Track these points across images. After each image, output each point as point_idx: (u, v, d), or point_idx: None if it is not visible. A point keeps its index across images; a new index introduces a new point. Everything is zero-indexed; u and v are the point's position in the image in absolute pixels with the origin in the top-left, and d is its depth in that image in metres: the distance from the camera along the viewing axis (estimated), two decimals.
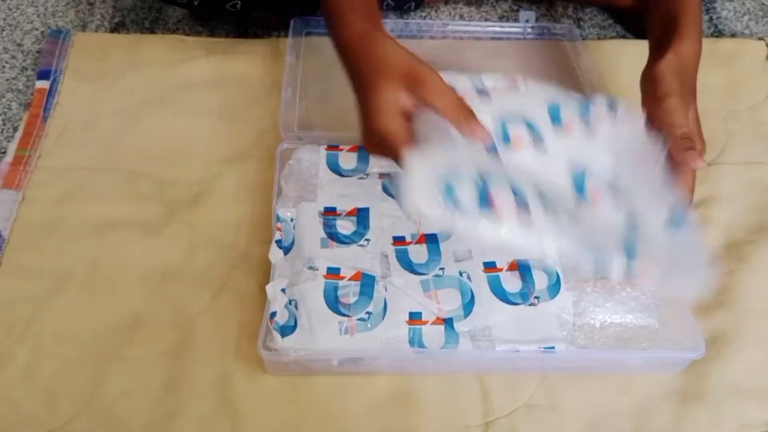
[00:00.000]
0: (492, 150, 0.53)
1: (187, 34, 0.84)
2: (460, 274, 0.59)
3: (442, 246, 0.61)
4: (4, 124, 0.75)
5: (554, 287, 0.59)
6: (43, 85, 0.76)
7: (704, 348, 0.56)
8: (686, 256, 0.53)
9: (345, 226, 0.62)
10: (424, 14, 0.90)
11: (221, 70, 0.79)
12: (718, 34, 0.90)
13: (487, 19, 0.90)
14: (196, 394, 0.56)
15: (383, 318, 0.56)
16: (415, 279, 0.59)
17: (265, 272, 0.61)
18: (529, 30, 0.85)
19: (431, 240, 0.62)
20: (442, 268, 0.60)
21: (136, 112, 0.75)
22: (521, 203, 0.50)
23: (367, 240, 0.62)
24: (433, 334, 0.56)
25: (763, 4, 0.93)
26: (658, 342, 0.58)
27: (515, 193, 0.51)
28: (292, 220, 0.63)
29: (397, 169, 0.51)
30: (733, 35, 0.89)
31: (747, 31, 0.90)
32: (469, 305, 0.58)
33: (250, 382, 0.57)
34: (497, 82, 0.59)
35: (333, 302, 0.57)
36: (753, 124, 0.78)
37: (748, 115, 0.79)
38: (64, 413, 0.54)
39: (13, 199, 0.67)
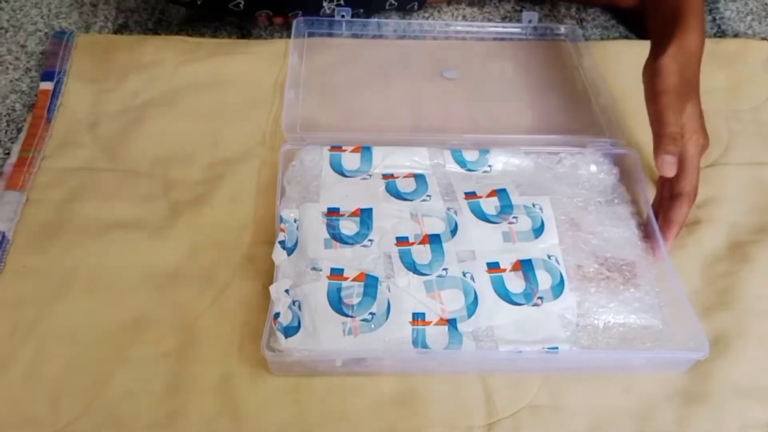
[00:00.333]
0: None
1: (191, 36, 0.84)
2: (464, 274, 0.59)
3: (446, 246, 0.61)
4: (8, 126, 0.75)
5: (558, 288, 0.59)
6: (47, 86, 0.76)
7: (708, 348, 0.56)
8: None
9: (348, 227, 0.62)
10: (426, 14, 0.90)
11: (224, 72, 0.79)
12: (720, 34, 0.90)
13: (489, 20, 0.90)
14: (200, 394, 0.56)
15: (387, 319, 0.56)
16: (419, 279, 0.59)
17: (268, 273, 0.61)
18: (532, 31, 0.85)
19: (434, 240, 0.62)
20: (445, 269, 0.60)
21: (139, 113, 0.75)
22: None
23: (371, 240, 0.62)
24: (436, 334, 0.56)
25: (766, 4, 0.93)
26: (661, 342, 0.58)
27: None
28: (295, 221, 0.63)
29: None
30: (735, 35, 0.89)
31: (750, 32, 0.90)
32: (472, 306, 0.58)
33: (254, 382, 0.57)
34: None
35: (336, 303, 0.57)
36: (756, 124, 0.78)
37: (751, 115, 0.79)
38: (68, 414, 0.55)
39: (17, 201, 0.67)
